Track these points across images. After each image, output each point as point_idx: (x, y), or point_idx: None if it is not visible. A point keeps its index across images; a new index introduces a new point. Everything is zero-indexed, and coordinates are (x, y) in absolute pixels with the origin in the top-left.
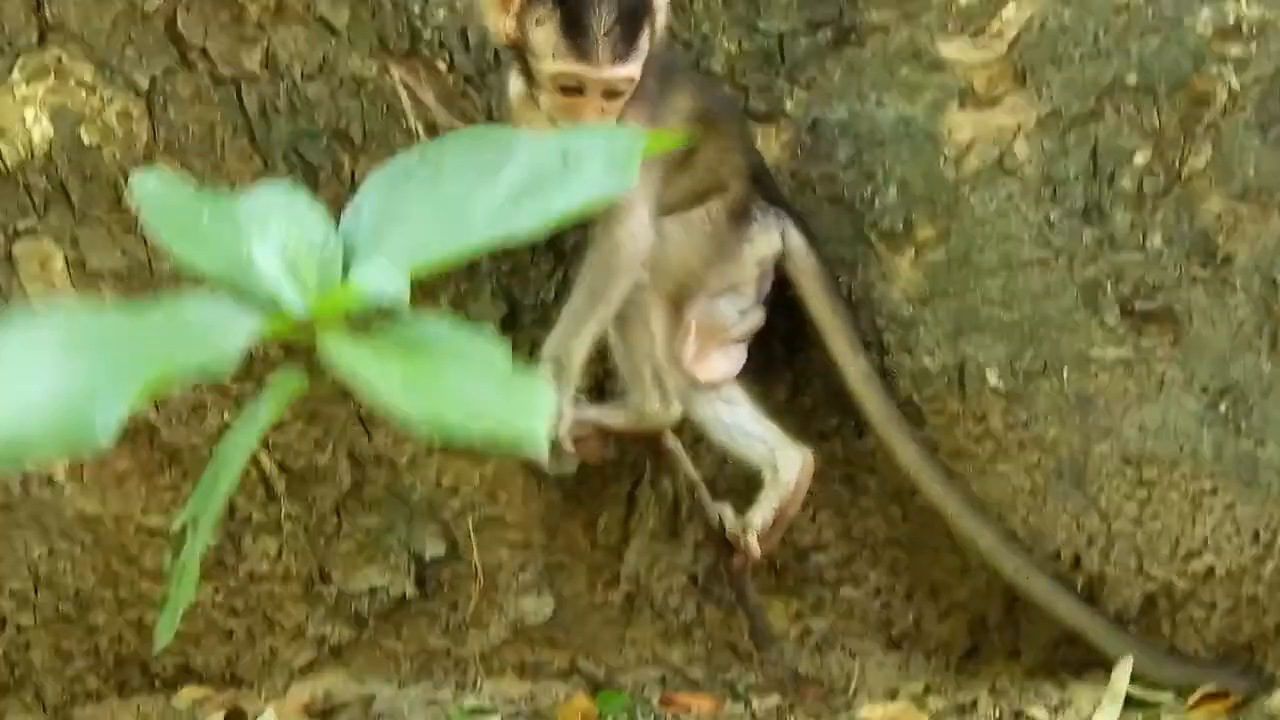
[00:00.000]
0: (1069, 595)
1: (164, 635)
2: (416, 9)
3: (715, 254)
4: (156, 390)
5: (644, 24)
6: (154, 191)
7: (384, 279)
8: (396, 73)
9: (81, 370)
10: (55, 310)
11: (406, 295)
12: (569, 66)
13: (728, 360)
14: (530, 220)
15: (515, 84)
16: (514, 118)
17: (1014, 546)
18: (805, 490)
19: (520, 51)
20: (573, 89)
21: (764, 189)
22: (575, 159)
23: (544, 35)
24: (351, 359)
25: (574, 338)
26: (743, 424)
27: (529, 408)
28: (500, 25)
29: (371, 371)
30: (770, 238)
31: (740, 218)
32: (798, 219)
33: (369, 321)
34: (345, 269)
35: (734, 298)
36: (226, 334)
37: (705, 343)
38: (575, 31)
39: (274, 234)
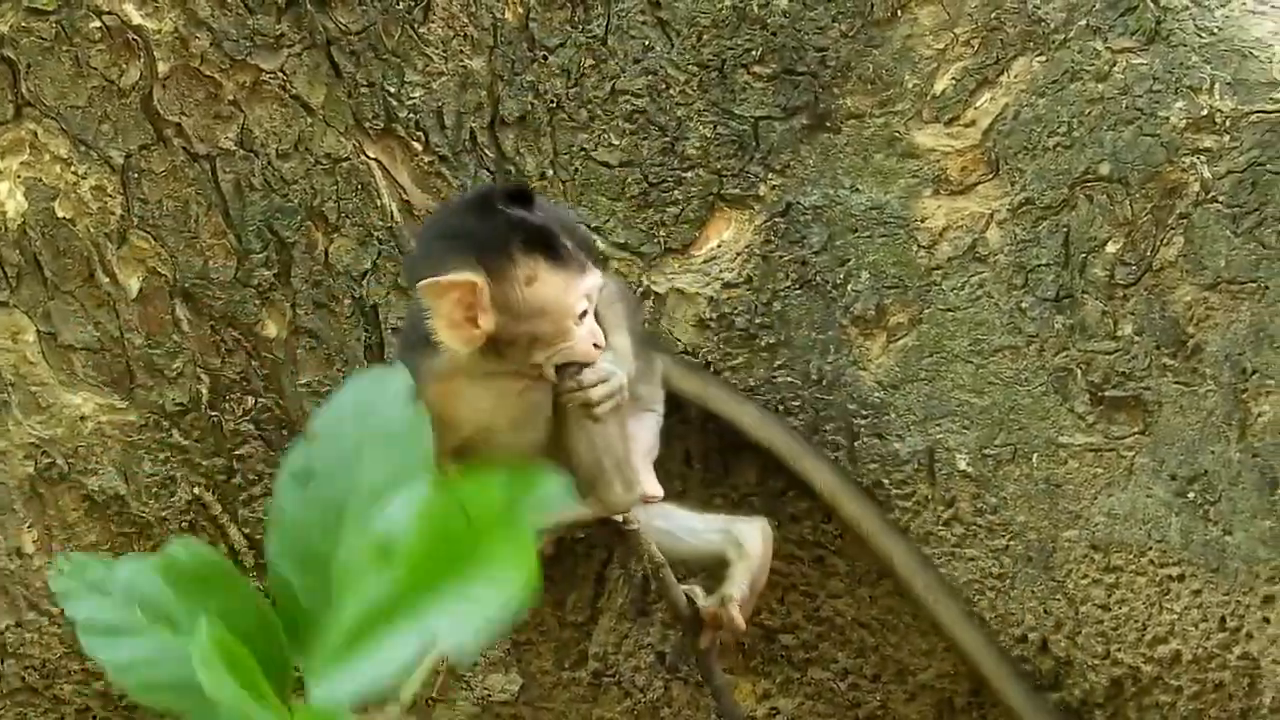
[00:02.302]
0: (1019, 683)
1: None
2: (392, 88)
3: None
4: None
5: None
6: (71, 587)
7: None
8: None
9: None
10: None
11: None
12: (573, 288)
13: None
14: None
15: (438, 361)
16: (442, 394)
17: (975, 626)
18: (770, 557)
19: (496, 344)
20: (577, 320)
21: None
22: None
23: (542, 287)
24: None
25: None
26: (687, 524)
27: None
28: (468, 336)
29: None
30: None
31: None
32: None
33: None
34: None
35: (648, 416)
36: None
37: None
38: (563, 258)
39: (212, 643)
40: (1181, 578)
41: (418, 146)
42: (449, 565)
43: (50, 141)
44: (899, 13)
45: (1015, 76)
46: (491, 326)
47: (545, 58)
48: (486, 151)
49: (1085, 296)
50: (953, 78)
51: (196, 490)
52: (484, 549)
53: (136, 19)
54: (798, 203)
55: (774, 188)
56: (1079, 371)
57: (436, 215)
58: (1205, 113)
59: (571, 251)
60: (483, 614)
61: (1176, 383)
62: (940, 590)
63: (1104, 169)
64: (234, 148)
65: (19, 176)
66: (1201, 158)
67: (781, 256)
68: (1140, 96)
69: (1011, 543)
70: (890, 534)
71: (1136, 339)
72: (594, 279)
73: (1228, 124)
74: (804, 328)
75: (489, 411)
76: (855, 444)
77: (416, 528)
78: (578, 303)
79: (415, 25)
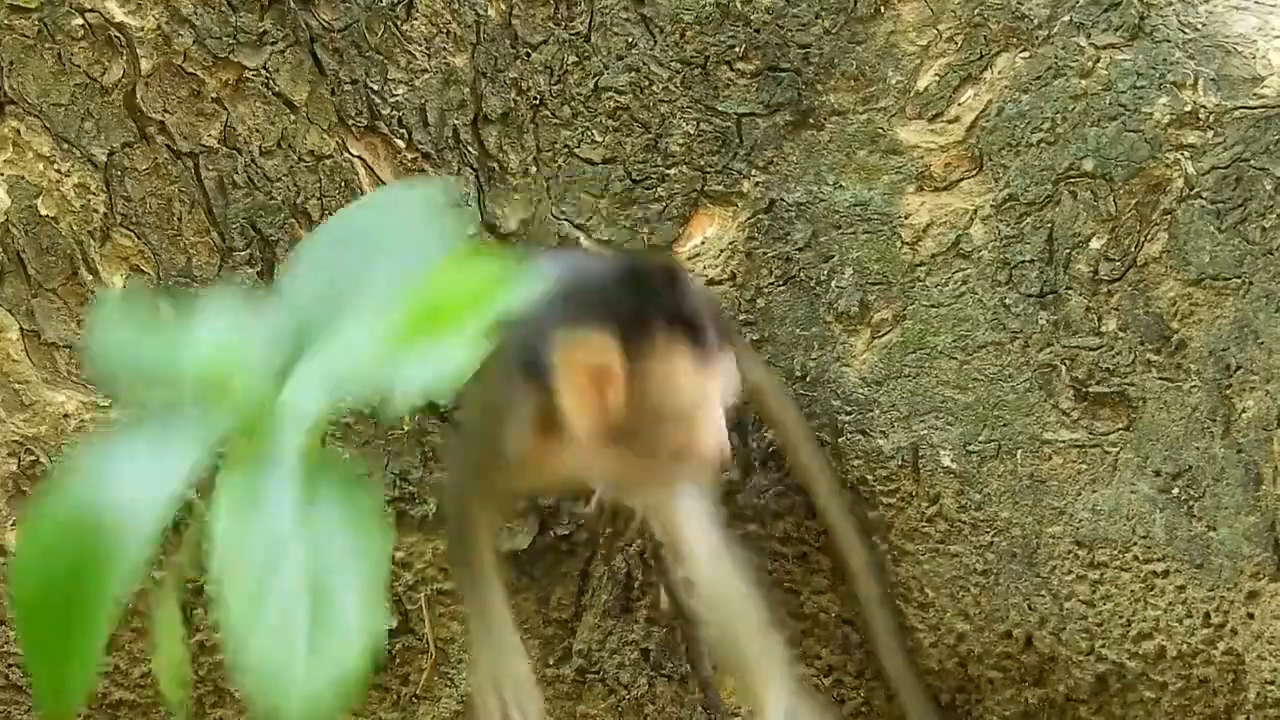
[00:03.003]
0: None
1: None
2: (375, 86)
3: None
4: None
5: None
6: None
7: (304, 409)
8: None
9: None
10: None
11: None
12: (711, 382)
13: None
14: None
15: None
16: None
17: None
18: None
19: (619, 434)
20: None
21: None
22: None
23: (680, 375)
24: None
25: None
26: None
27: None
28: (593, 410)
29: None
30: None
31: None
32: None
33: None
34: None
35: None
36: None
37: None
38: (706, 349)
39: (212, 352)
40: (1166, 574)
41: (401, 144)
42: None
43: (33, 139)
44: (882, 9)
45: (999, 73)
46: (620, 406)
47: (528, 55)
48: (470, 149)
49: (1069, 293)
50: (936, 74)
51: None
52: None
53: (119, 16)
54: (781, 199)
55: (757, 184)
56: (1063, 368)
57: (573, 273)
58: (1189, 109)
59: (715, 343)
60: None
61: (1161, 379)
62: (880, 604)
63: (1088, 165)
64: (217, 145)
65: (1, 174)
66: (1185, 153)
67: (765, 253)
68: (1124, 92)
69: (996, 539)
70: (857, 541)
71: (1121, 335)
72: (730, 372)
73: (1212, 120)
74: (788, 324)
75: (587, 470)
76: (839, 440)
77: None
78: (712, 397)
79: (398, 22)
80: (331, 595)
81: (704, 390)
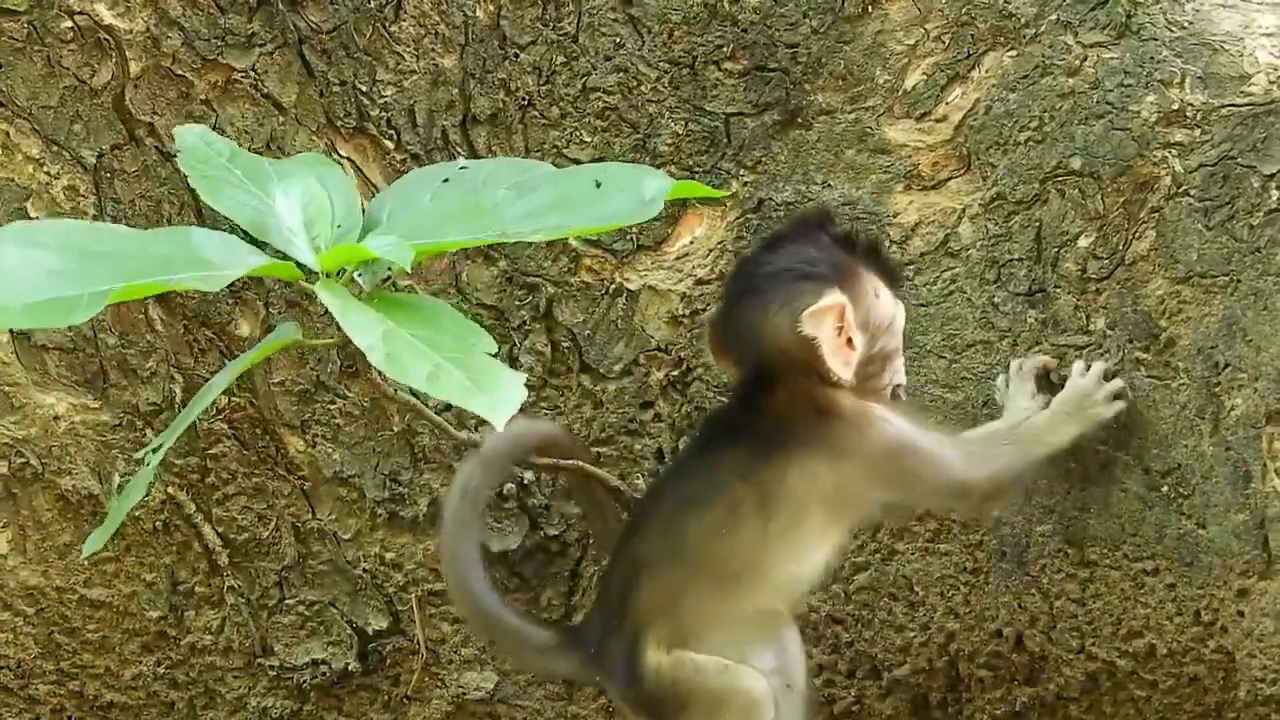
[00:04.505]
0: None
1: (99, 539)
2: (364, 87)
3: None
4: (138, 294)
5: None
6: (192, 144)
7: (393, 248)
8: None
9: (76, 267)
10: (61, 222)
11: (409, 265)
12: (898, 301)
13: None
14: (551, 229)
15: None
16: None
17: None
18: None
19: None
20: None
21: None
22: (607, 188)
23: (885, 301)
24: (342, 304)
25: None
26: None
27: (498, 391)
28: (847, 357)
29: (357, 318)
30: None
31: None
32: None
33: (375, 291)
34: (362, 237)
35: None
36: (225, 264)
37: None
38: (892, 272)
39: (299, 192)
40: (1155, 572)
41: (390, 145)
42: None
43: (22, 142)
44: (869, 9)
45: (986, 71)
46: (861, 345)
47: (516, 55)
48: (458, 149)
49: (1058, 291)
50: (924, 73)
51: (170, 489)
52: None
53: (108, 19)
54: (770, 199)
55: (746, 184)
56: None
57: (759, 256)
58: (1176, 107)
59: (896, 264)
60: None
61: (1149, 377)
62: None
63: (1075, 163)
64: None
65: None
66: (1173, 151)
67: None
68: (1111, 91)
69: (985, 538)
70: None
71: (1109, 333)
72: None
73: (1199, 118)
74: None
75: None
76: None
77: None
78: (901, 313)
79: (387, 24)
80: None
81: (899, 306)
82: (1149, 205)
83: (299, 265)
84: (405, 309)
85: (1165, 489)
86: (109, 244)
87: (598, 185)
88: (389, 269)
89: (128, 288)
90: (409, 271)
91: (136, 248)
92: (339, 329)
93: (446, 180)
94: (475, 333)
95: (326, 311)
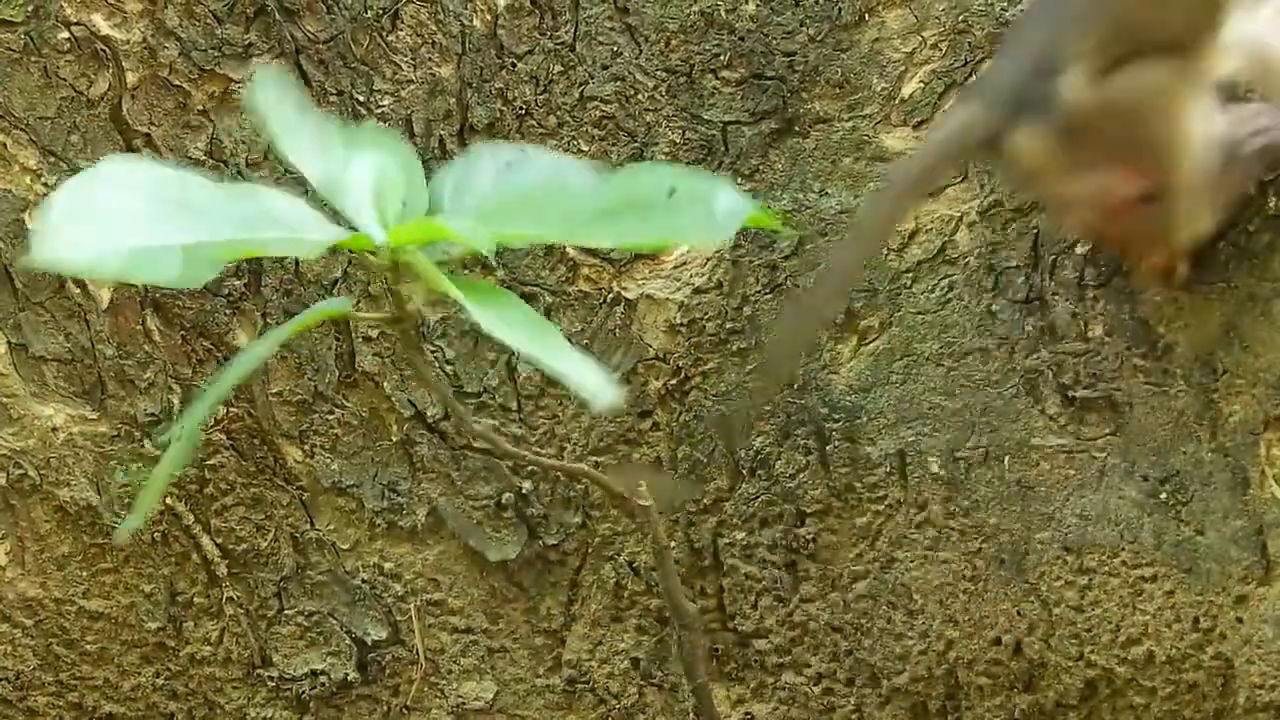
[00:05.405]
0: None
1: (136, 519)
2: (361, 96)
3: None
4: (237, 256)
5: None
6: (272, 91)
7: (472, 231)
8: None
9: (172, 220)
10: (143, 163)
11: (489, 250)
12: None
13: None
14: (619, 235)
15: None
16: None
17: None
18: None
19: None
20: None
21: None
22: (679, 198)
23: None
24: (434, 274)
25: None
26: None
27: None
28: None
29: (463, 291)
30: None
31: None
32: None
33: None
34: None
35: None
36: (303, 228)
37: None
38: None
39: (373, 161)
40: (1154, 578)
41: None
42: None
43: (19, 152)
44: (866, 16)
45: None
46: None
47: (514, 65)
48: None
49: (1055, 298)
50: (921, 81)
51: (169, 500)
52: None
53: (105, 29)
54: (767, 207)
55: (743, 192)
56: (1050, 373)
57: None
58: None
59: None
60: None
61: (1147, 383)
62: None
63: None
64: (203, 157)
65: None
66: None
67: (751, 261)
68: None
69: (984, 545)
70: None
71: (1107, 340)
72: None
73: None
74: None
75: None
76: (827, 448)
77: None
78: None
79: (384, 34)
80: None
81: None
82: None
83: None
84: (478, 289)
85: (1164, 495)
86: (192, 195)
87: (672, 193)
88: (445, 253)
89: (228, 245)
90: (485, 256)
91: (216, 203)
92: (336, 339)
93: (509, 164)
94: (542, 320)
95: (324, 322)
